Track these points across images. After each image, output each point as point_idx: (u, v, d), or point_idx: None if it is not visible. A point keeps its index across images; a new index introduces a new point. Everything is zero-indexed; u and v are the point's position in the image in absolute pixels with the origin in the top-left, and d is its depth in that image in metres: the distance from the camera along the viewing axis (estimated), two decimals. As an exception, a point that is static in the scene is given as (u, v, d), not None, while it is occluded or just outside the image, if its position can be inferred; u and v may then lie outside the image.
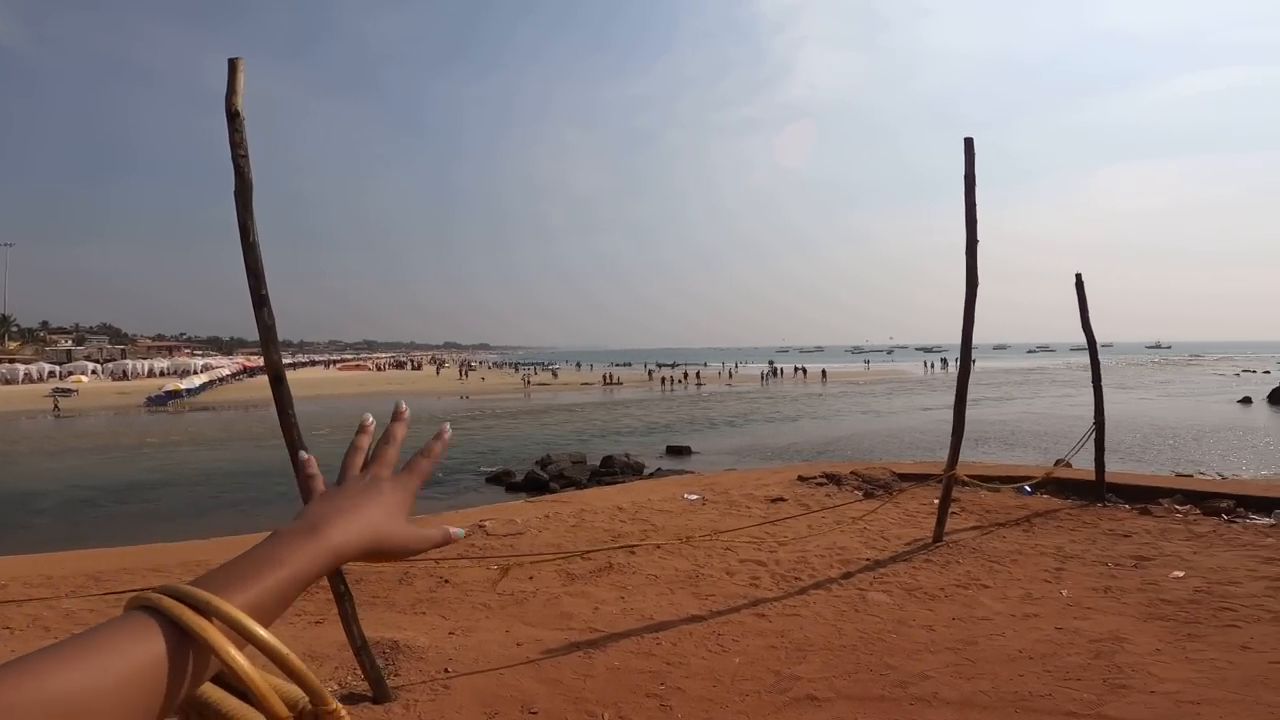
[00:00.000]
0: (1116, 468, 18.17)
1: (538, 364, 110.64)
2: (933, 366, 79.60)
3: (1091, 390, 6.60)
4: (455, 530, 0.57)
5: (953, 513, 6.14)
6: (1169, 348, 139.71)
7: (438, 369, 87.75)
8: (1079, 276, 6.31)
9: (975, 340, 5.03)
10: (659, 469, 21.06)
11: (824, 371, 68.97)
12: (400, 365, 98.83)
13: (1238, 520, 5.50)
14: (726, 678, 3.04)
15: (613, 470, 20.74)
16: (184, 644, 0.38)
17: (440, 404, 49.74)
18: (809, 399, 48.71)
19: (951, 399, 5.08)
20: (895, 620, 3.68)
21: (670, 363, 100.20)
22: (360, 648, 2.88)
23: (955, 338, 5.07)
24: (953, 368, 78.61)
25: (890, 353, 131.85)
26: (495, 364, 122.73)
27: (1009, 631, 3.41)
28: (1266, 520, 5.47)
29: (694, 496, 6.96)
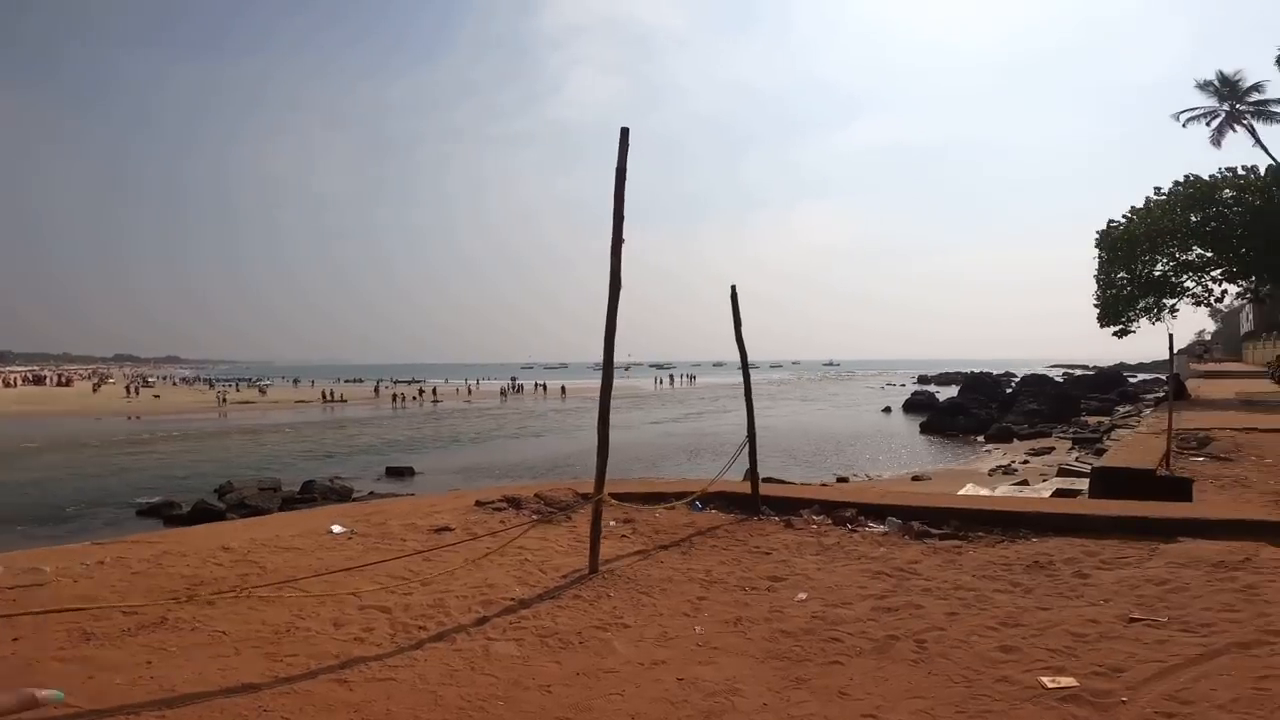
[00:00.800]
0: (797, 474, 21.03)
1: (243, 380, 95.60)
2: (662, 382, 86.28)
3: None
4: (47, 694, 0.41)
5: (623, 535, 5.91)
6: (839, 365, 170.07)
7: (95, 385, 70.58)
8: (734, 289, 6.53)
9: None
10: (372, 492, 19.11)
11: (564, 388, 70.47)
12: (39, 380, 77.64)
13: (859, 529, 5.84)
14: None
15: (311, 496, 18.51)
16: None
17: (100, 426, 39.80)
18: (547, 415, 49.03)
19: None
20: (511, 680, 3.08)
21: (408, 379, 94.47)
22: None
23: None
24: (680, 384, 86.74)
25: (627, 369, 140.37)
26: (184, 380, 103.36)
27: (630, 688, 3.02)
28: (880, 528, 5.84)
29: (341, 529, 5.85)
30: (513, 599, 4.22)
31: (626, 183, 4.29)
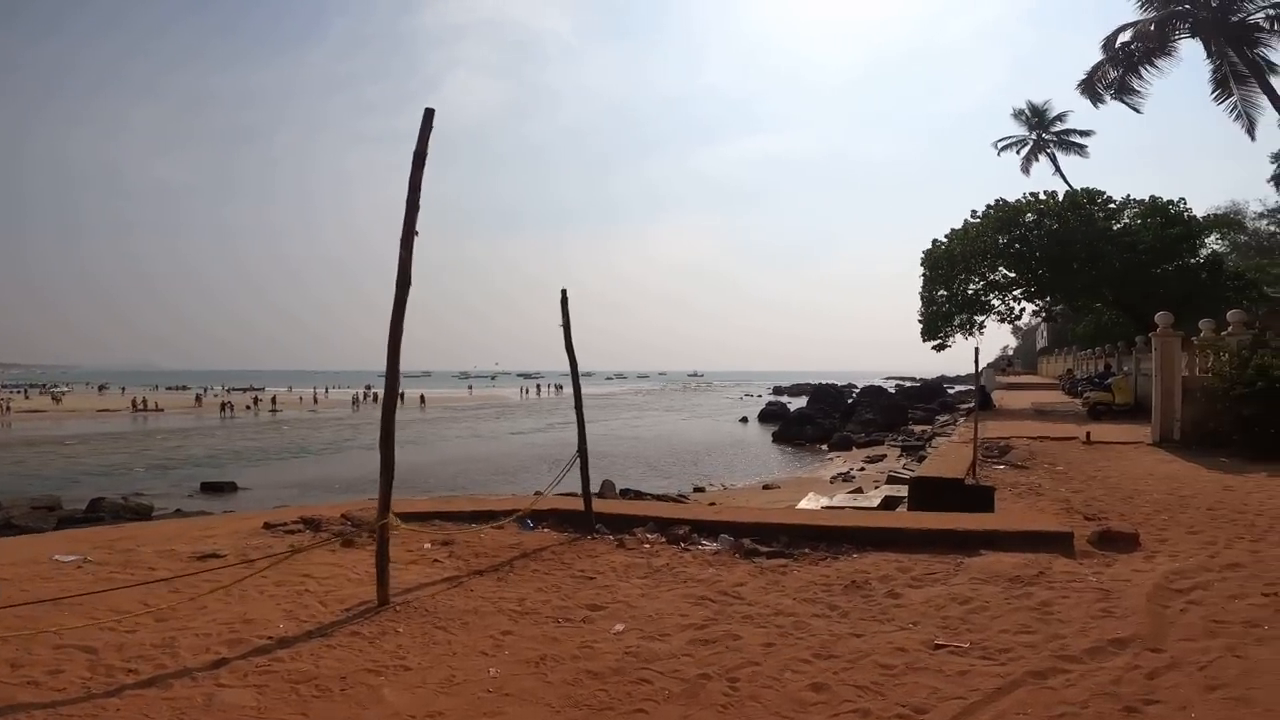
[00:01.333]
0: (656, 485, 21.09)
1: (30, 384, 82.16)
2: (528, 392, 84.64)
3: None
4: None
5: (436, 560, 5.28)
6: (703, 376, 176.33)
7: None
8: (564, 292, 6.16)
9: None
10: (179, 510, 16.93)
11: (423, 397, 67.04)
12: None
13: (692, 548, 5.64)
14: None
15: (98, 515, 16.03)
16: None
17: None
18: (404, 425, 46.07)
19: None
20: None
21: (245, 385, 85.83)
22: None
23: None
24: (546, 393, 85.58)
25: (494, 378, 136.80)
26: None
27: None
28: (713, 547, 5.66)
29: (71, 558, 4.76)
30: (271, 637, 3.53)
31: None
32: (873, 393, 46.86)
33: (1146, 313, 14.65)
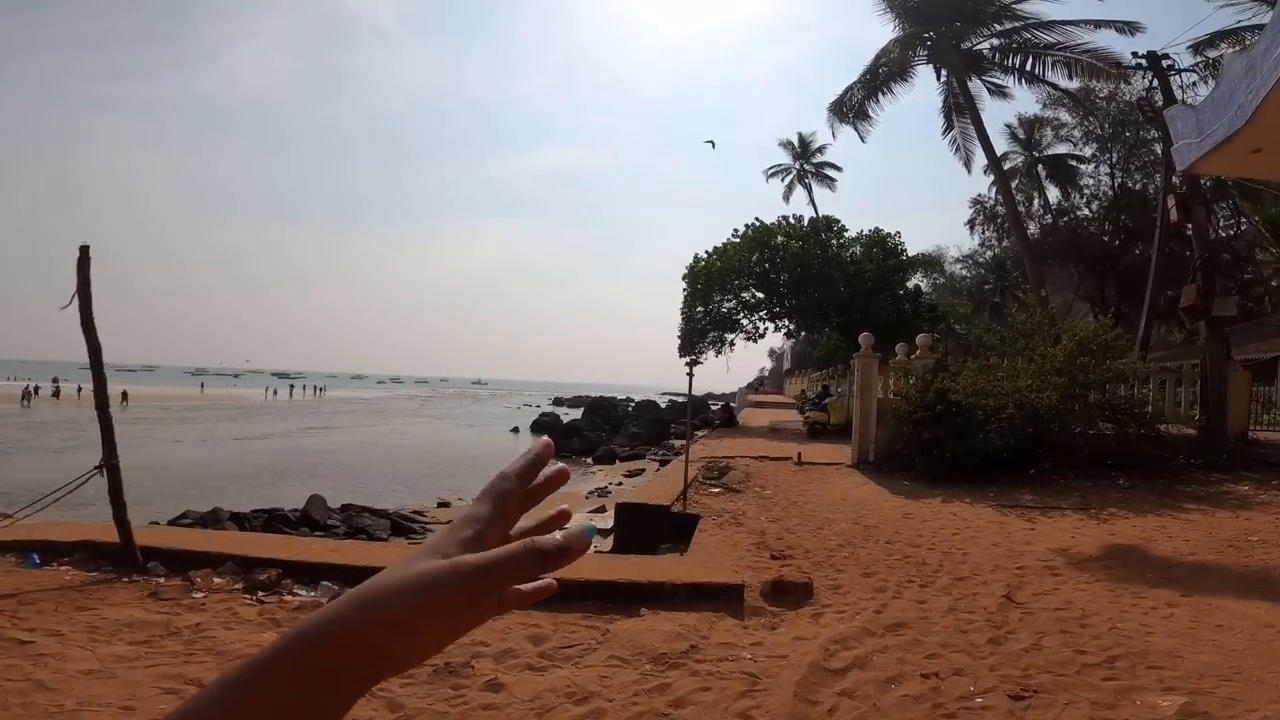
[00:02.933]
0: (396, 498, 18.49)
1: None
2: (276, 392, 74.29)
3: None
4: (576, 530, 0.37)
5: None
6: (487, 384, 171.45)
7: None
8: (83, 249, 4.10)
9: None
10: None
11: (125, 393, 55.33)
12: None
13: (272, 598, 4.26)
14: None
15: None
16: None
17: None
18: (77, 425, 37.03)
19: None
20: None
21: None
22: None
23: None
24: (301, 394, 75.66)
25: (237, 376, 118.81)
26: None
27: None
28: (309, 595, 4.32)
29: None
30: None
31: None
32: (645, 407, 47.92)
33: (863, 338, 15.70)
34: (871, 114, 22.80)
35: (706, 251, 25.18)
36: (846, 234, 25.00)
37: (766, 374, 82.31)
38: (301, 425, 41.46)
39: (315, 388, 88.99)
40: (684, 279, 25.49)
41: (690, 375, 8.04)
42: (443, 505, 18.40)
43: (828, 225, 24.85)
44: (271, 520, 12.48)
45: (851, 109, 22.42)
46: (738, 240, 24.38)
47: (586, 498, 21.32)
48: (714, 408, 59.89)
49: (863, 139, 24.11)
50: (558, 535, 0.36)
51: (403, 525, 13.24)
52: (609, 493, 21.96)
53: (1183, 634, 3.83)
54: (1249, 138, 3.86)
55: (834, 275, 22.67)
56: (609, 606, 4.25)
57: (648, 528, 7.19)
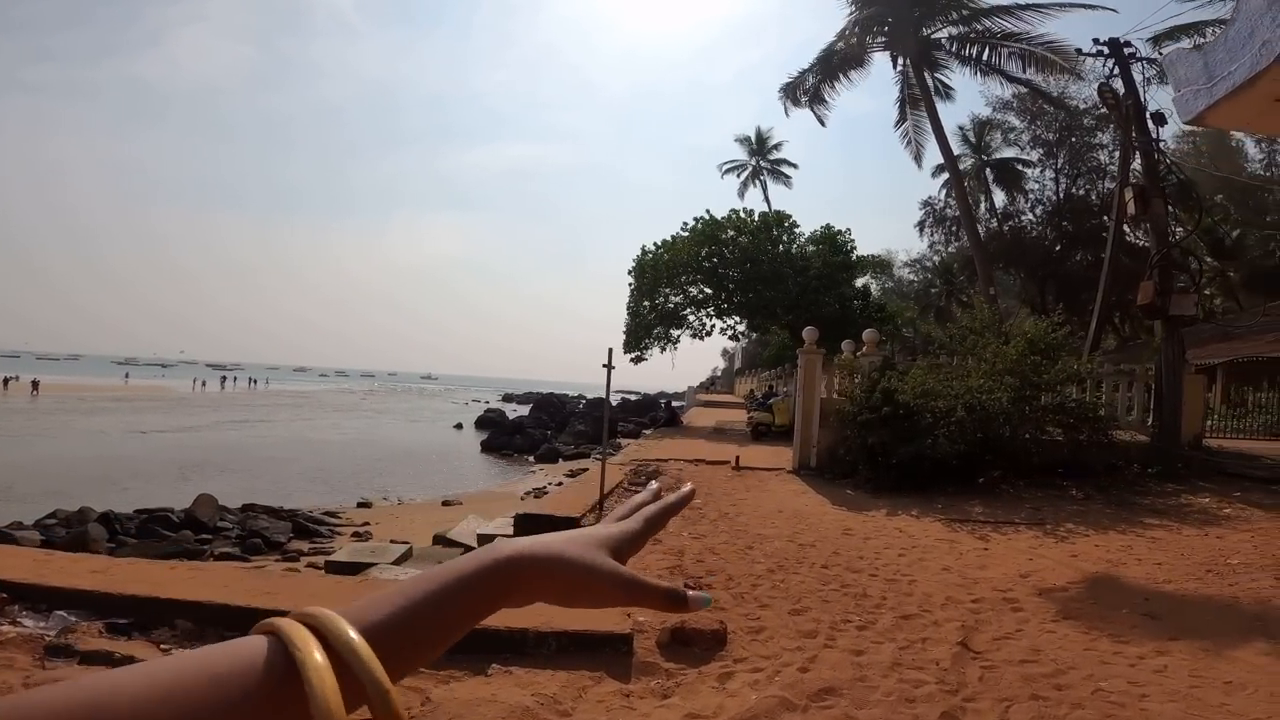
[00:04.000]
0: (314, 497, 16.87)
1: None
2: (205, 384, 70.36)
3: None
4: (697, 594, 0.46)
5: None
6: (437, 379, 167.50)
7: None
8: None
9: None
10: None
11: (35, 382, 51.64)
12: None
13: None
14: None
15: None
16: (290, 675, 0.34)
17: None
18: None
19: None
20: None
21: None
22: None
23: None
24: (233, 387, 71.87)
25: (168, 368, 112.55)
26: None
27: None
28: (40, 625, 3.40)
29: None
30: None
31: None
32: (596, 404, 46.74)
33: (810, 336, 15.00)
34: (827, 98, 22.22)
35: (655, 244, 24.24)
36: (798, 231, 24.38)
37: (719, 374, 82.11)
38: (230, 419, 38.89)
39: (250, 380, 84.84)
40: (630, 273, 24.49)
41: (609, 370, 7.05)
42: (363, 505, 16.90)
43: (779, 221, 24.14)
44: (150, 523, 11.07)
45: (806, 92, 21.76)
46: (687, 234, 23.50)
47: (522, 499, 20.05)
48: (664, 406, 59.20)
49: (821, 122, 23.44)
50: (690, 592, 0.45)
51: (307, 528, 11.94)
52: (546, 493, 20.73)
53: (1185, 696, 2.99)
54: (1273, 81, 3.09)
55: (784, 272, 21.96)
56: (452, 658, 3.19)
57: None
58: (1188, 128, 9.31)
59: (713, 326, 24.46)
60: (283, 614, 0.37)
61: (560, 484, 22.75)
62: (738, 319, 24.40)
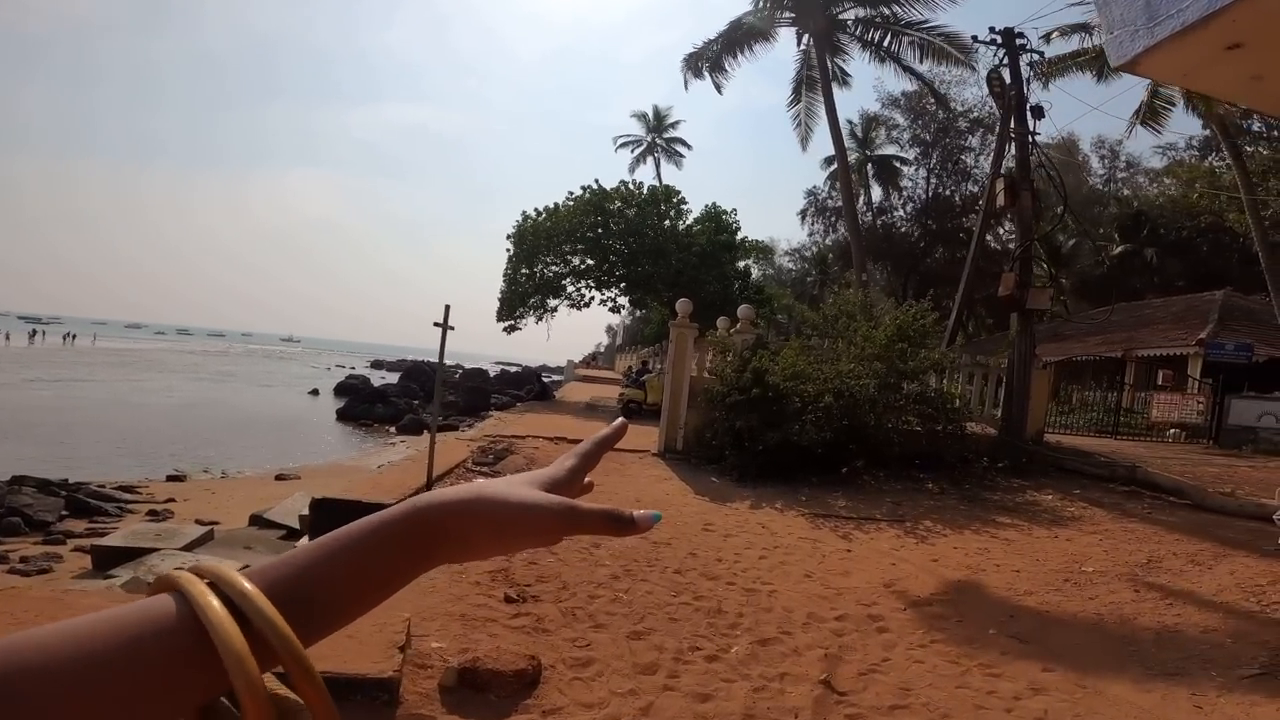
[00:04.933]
0: (121, 470, 14.13)
1: None
2: (9, 337, 60.40)
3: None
4: (645, 513, 0.43)
5: None
6: (299, 342, 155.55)
7: None
8: None
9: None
10: None
11: None
12: None
13: None
14: None
15: None
16: (202, 639, 0.32)
17: None
18: None
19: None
20: None
21: None
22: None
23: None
24: (43, 341, 62.17)
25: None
26: None
27: None
28: None
29: None
30: None
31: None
32: (472, 375, 44.53)
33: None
34: (727, 67, 21.78)
35: (536, 210, 22.90)
36: (686, 208, 23.93)
37: (602, 350, 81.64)
38: (36, 377, 33.30)
39: (69, 334, 73.96)
40: (509, 238, 23.02)
41: (444, 333, 5.97)
42: (175, 479, 14.55)
43: (668, 196, 23.56)
44: None
45: (707, 60, 21.25)
46: (572, 202, 22.36)
47: (378, 469, 18.32)
48: (546, 380, 57.84)
49: (719, 90, 22.87)
50: (635, 512, 0.42)
51: (88, 504, 9.90)
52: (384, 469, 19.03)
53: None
54: (1229, 24, 2.62)
55: (668, 248, 21.44)
56: None
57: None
58: (1043, 139, 9.74)
59: (592, 298, 23.61)
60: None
61: (412, 459, 21.10)
62: (618, 291, 23.67)
